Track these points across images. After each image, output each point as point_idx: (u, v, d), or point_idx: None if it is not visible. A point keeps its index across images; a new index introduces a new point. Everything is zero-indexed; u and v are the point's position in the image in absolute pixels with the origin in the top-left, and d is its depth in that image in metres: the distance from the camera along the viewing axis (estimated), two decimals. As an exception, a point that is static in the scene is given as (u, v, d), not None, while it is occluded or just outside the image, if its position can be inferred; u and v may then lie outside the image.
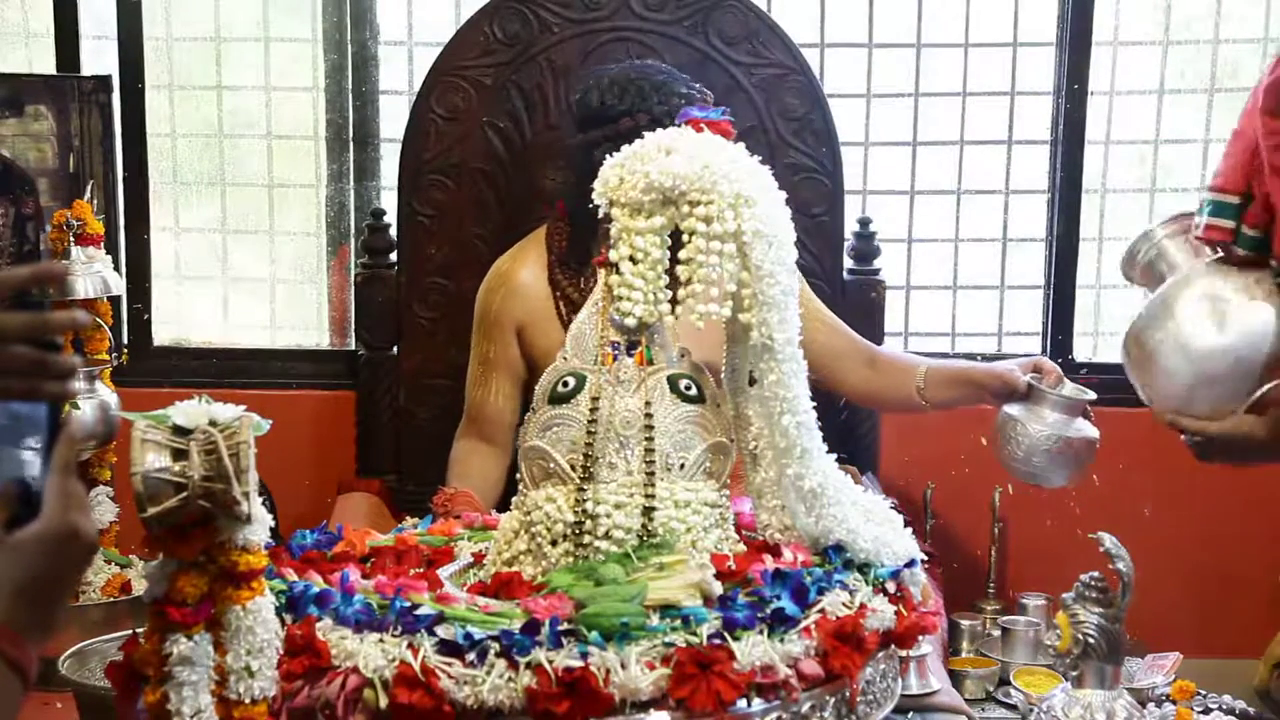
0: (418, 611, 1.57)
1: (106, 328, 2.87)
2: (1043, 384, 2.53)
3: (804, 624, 1.59)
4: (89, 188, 3.20)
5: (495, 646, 1.51)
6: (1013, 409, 2.53)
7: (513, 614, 1.58)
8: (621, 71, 2.64)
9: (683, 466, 1.81)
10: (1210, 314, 2.02)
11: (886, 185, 3.48)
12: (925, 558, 1.84)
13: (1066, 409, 2.50)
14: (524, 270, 2.75)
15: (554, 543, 1.78)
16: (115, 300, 3.15)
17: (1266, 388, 1.95)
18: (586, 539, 1.76)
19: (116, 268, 3.16)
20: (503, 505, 1.96)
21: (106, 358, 2.85)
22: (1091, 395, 2.53)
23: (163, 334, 3.51)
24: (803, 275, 2.81)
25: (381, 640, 1.54)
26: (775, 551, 1.78)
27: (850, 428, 3.17)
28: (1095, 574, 2.04)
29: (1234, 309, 2.01)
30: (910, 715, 2.26)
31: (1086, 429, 2.52)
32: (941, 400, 2.71)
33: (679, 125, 1.85)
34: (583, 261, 2.67)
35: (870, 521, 1.79)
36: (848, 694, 1.61)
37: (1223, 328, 2.00)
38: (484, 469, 2.71)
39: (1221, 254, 2.06)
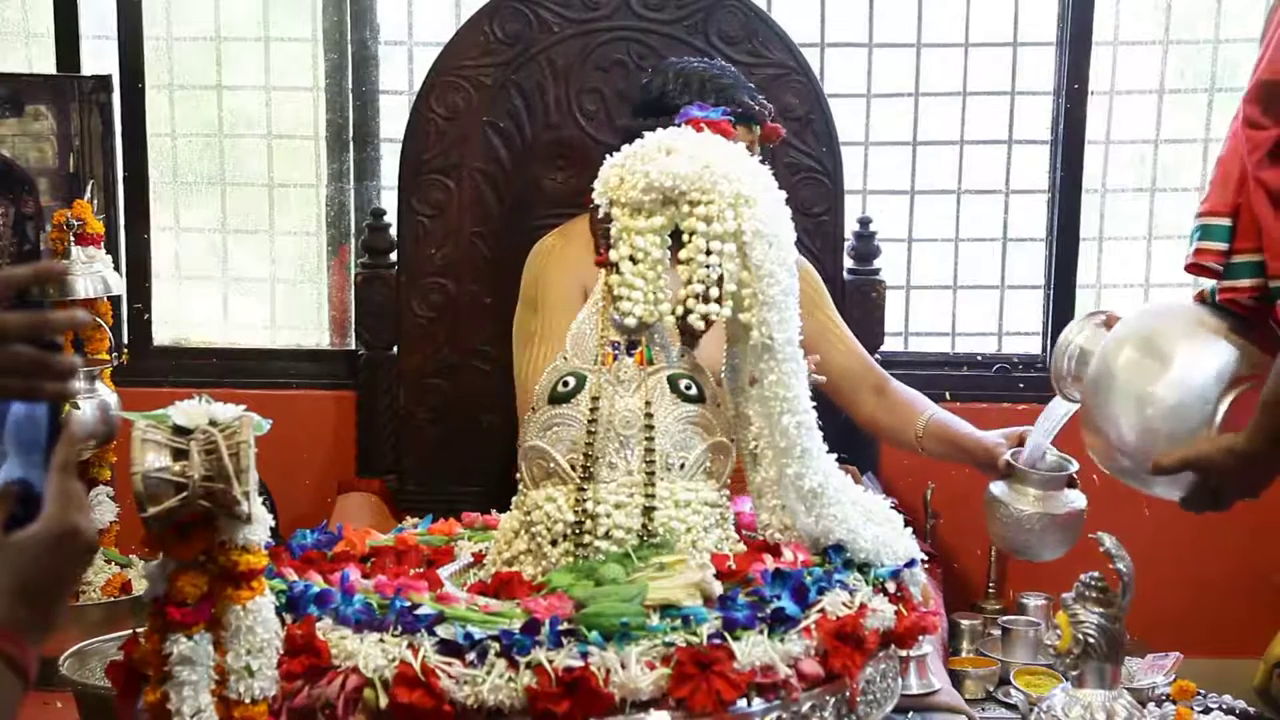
0: (418, 611, 1.57)
1: (106, 328, 2.87)
2: (1022, 460, 2.37)
3: (804, 624, 1.59)
4: (89, 188, 3.20)
5: (495, 646, 1.51)
6: (996, 488, 2.39)
7: (513, 614, 1.58)
8: (691, 67, 2.61)
9: (683, 466, 1.80)
10: (1150, 354, 1.97)
11: (886, 185, 3.48)
12: (925, 558, 1.84)
13: (1050, 485, 2.35)
14: (571, 245, 2.65)
15: (554, 543, 1.78)
16: (115, 300, 3.15)
17: (1230, 397, 1.92)
18: (586, 539, 1.76)
19: (116, 268, 3.16)
20: (504, 505, 1.96)
21: (106, 358, 2.85)
22: (1075, 466, 2.37)
23: (163, 334, 3.51)
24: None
25: (381, 640, 1.54)
26: (775, 551, 1.78)
27: (850, 428, 3.15)
28: (1095, 574, 2.04)
29: (1172, 341, 1.97)
30: (910, 715, 2.26)
31: (1072, 501, 2.36)
32: (935, 453, 2.63)
33: (679, 125, 1.85)
34: None
35: (870, 521, 1.79)
36: (848, 694, 1.61)
37: (1166, 361, 1.95)
38: None
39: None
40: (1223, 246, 1.97)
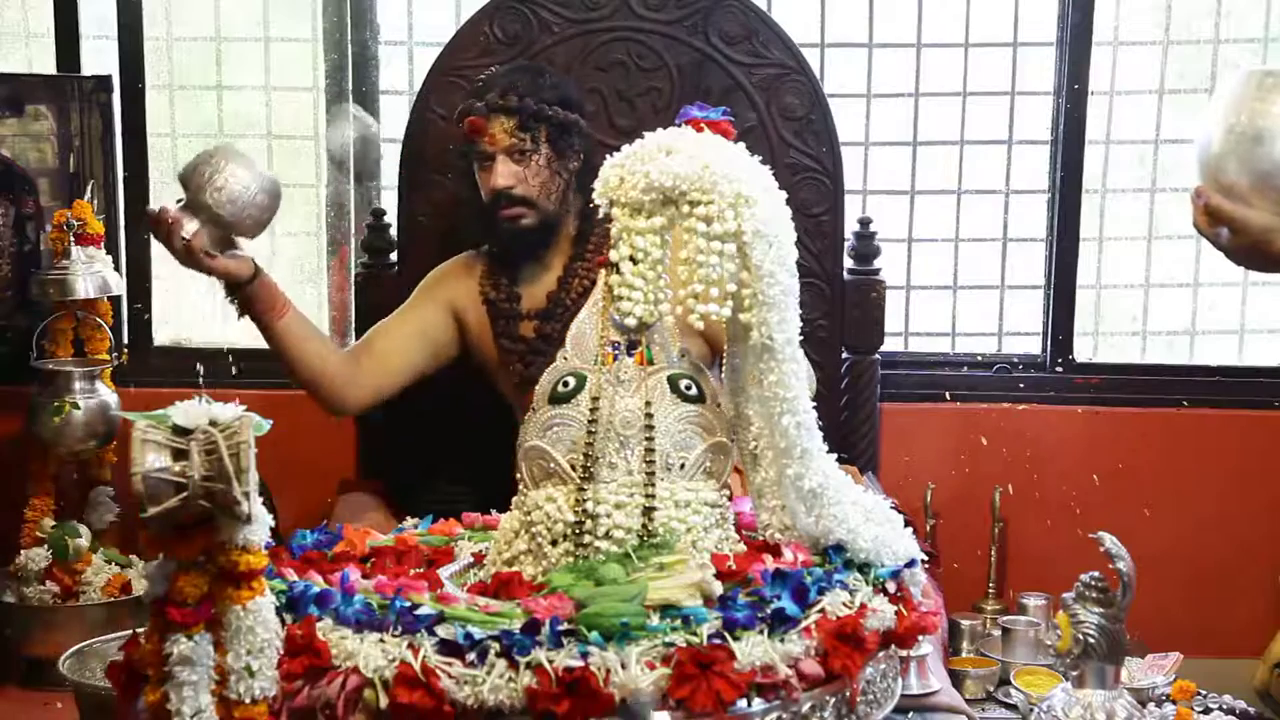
0: (418, 611, 1.57)
1: (106, 328, 2.87)
2: None
3: (804, 624, 1.59)
4: (89, 188, 3.20)
5: (495, 646, 1.51)
6: None
7: (513, 614, 1.58)
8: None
9: (683, 466, 1.80)
10: None
11: (886, 185, 3.48)
12: (925, 558, 1.84)
13: None
14: (464, 272, 2.89)
15: (554, 543, 1.78)
16: (115, 300, 3.15)
17: None
18: (586, 539, 1.76)
19: (116, 268, 3.16)
20: (504, 505, 1.96)
21: (106, 358, 2.85)
22: None
23: (163, 334, 3.51)
24: (801, 275, 2.81)
25: (381, 640, 1.54)
26: (775, 551, 1.78)
27: (850, 428, 3.17)
28: (1095, 574, 2.04)
29: None
30: (910, 715, 2.26)
31: None
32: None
33: (679, 125, 1.85)
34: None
35: (870, 521, 1.79)
36: (848, 694, 1.61)
37: None
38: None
39: None
40: None
